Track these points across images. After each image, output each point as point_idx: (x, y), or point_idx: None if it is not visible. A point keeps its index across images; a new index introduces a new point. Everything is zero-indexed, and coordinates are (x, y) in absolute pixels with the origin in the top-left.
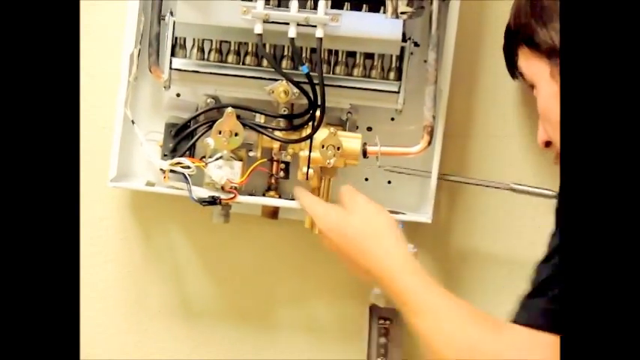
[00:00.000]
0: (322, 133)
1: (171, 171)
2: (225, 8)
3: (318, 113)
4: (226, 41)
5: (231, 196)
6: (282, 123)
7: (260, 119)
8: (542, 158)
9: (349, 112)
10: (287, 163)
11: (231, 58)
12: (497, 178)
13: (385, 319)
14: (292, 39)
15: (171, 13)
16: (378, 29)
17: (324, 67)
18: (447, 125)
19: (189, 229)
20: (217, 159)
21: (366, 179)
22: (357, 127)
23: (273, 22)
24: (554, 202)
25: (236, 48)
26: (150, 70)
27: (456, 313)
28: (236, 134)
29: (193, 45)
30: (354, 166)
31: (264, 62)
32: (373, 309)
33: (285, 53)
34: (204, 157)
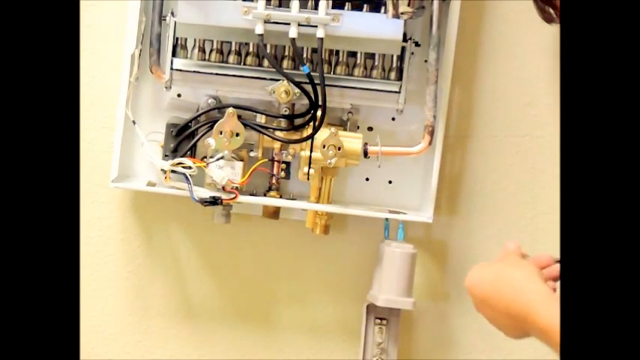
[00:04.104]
0: (323, 133)
1: (173, 171)
2: (226, 9)
3: (319, 113)
4: (227, 41)
5: (232, 196)
6: (283, 123)
7: (261, 119)
8: (543, 158)
9: (350, 112)
10: (288, 163)
11: (232, 58)
12: (497, 178)
13: (382, 319)
14: (293, 39)
15: (173, 14)
16: (378, 29)
17: (325, 67)
18: (448, 125)
19: (190, 229)
20: (218, 159)
21: (367, 179)
22: (358, 127)
23: (274, 23)
24: (553, 204)
25: (237, 48)
26: (151, 71)
27: None
28: (237, 134)
29: (194, 45)
30: (355, 166)
31: (265, 62)
32: (370, 308)
33: (286, 53)
34: (205, 157)
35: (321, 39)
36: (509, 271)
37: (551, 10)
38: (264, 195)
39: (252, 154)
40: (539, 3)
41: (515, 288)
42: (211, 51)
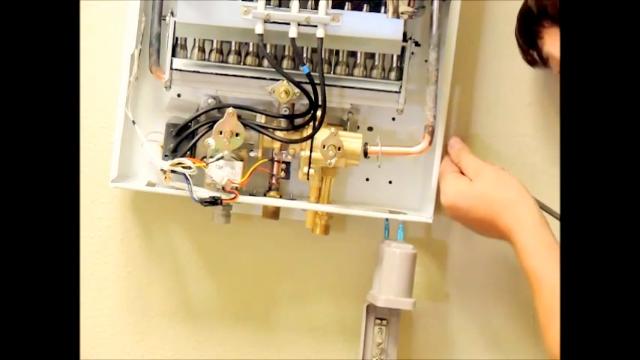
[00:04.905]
0: (323, 133)
1: (172, 171)
2: (225, 8)
3: (319, 113)
4: (227, 41)
5: (232, 196)
6: (283, 123)
7: (261, 119)
8: (543, 158)
9: (350, 112)
10: (288, 163)
11: (231, 58)
12: None
13: (382, 319)
14: (293, 39)
15: (172, 14)
16: (378, 29)
17: (325, 67)
18: (448, 125)
19: (190, 229)
20: (218, 159)
21: (367, 179)
22: (358, 127)
23: (273, 22)
24: (554, 204)
25: (237, 48)
26: (150, 71)
27: None
28: (237, 134)
29: (194, 45)
30: (355, 166)
31: (265, 62)
32: (370, 308)
33: (286, 53)
34: (205, 157)
35: (321, 39)
36: (498, 191)
37: (535, 54)
38: (264, 195)
39: (252, 154)
40: (523, 46)
41: (504, 213)
42: (211, 51)
